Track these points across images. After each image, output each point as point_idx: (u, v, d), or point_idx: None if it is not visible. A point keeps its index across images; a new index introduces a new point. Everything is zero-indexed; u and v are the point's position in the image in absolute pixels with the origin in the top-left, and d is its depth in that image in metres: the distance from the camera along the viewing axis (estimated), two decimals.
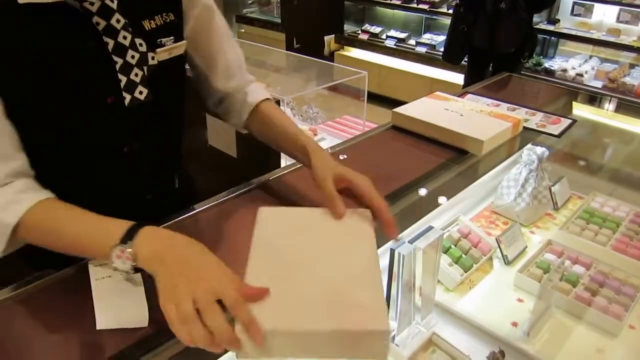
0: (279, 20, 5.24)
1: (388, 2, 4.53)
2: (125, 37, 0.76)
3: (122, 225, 0.61)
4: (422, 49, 4.30)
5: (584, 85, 3.60)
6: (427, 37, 4.42)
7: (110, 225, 0.62)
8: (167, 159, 0.99)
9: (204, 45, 0.96)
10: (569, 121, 1.30)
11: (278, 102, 1.34)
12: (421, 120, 1.18)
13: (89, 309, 0.60)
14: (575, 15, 3.94)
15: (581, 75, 3.64)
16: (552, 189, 1.36)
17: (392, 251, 0.86)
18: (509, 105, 1.38)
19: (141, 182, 0.91)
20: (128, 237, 0.59)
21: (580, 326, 0.98)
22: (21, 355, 0.57)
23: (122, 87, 0.78)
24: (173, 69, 0.87)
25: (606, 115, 1.76)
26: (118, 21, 0.75)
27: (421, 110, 1.24)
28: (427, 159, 1.16)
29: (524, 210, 1.30)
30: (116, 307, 0.60)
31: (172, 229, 0.63)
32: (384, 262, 0.86)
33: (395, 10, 4.67)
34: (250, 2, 5.90)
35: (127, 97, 0.78)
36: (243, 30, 5.70)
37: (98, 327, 0.58)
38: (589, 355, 0.91)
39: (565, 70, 3.71)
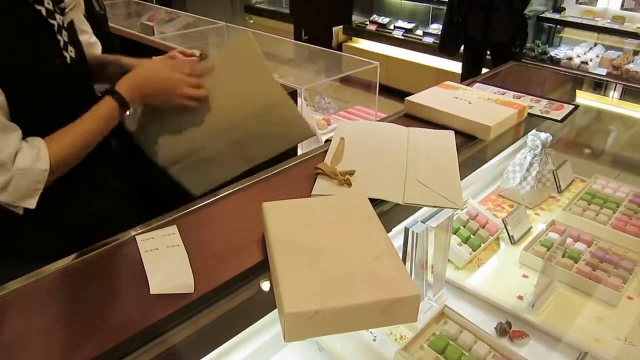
0: (287, 11, 5.26)
1: None
2: (49, 3, 0.84)
3: (109, 100, 0.86)
4: (429, 40, 4.30)
5: (589, 73, 3.60)
6: (434, 28, 4.42)
7: (103, 106, 0.86)
8: None
9: None
10: (571, 107, 1.35)
11: (294, 93, 1.40)
12: (432, 107, 1.23)
13: (143, 276, 0.68)
14: (581, 3, 3.92)
15: (586, 63, 3.64)
16: (556, 172, 1.41)
17: (406, 230, 0.92)
18: (515, 93, 1.43)
19: None
20: (122, 103, 0.87)
21: (581, 298, 1.04)
22: (94, 312, 0.65)
23: (61, 47, 0.86)
24: (73, 29, 0.93)
25: (610, 102, 1.80)
26: None
27: (432, 98, 1.29)
28: None
29: (528, 193, 1.36)
30: (165, 274, 0.67)
31: (180, 222, 0.80)
32: (398, 241, 0.92)
33: (402, 1, 4.67)
34: None
35: (67, 56, 0.87)
36: (252, 21, 5.72)
37: (152, 291, 0.65)
38: (590, 324, 0.97)
39: (570, 59, 3.71)
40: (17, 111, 0.78)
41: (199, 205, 0.88)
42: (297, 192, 0.92)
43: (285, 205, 0.80)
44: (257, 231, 0.79)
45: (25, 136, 0.79)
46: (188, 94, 0.92)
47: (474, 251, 1.15)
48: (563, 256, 1.13)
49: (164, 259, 0.70)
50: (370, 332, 0.95)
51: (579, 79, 1.94)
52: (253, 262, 0.74)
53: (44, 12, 0.82)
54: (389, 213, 0.91)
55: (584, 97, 1.74)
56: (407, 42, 4.45)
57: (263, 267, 0.73)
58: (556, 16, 3.87)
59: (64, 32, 0.87)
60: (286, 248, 0.69)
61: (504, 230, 1.21)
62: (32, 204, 0.79)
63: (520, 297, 1.04)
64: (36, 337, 0.61)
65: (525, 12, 3.20)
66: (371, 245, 0.71)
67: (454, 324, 0.95)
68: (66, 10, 0.89)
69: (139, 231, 0.78)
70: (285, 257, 0.67)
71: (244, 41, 0.97)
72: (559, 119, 1.29)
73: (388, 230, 0.95)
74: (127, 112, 0.92)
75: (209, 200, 0.90)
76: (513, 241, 1.21)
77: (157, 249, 0.72)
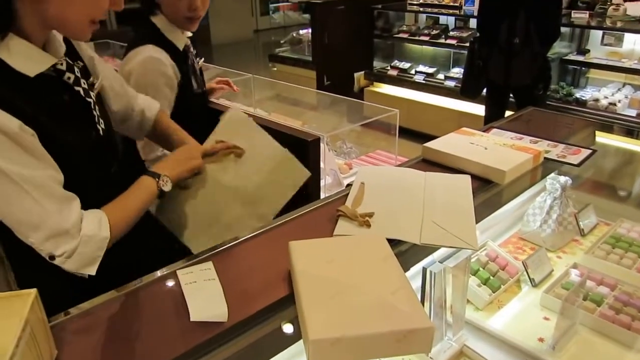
0: (309, 59, 5.55)
1: (417, 38, 4.77)
2: (84, 83, 0.97)
3: (147, 178, 1.04)
4: (450, 83, 4.47)
5: (618, 114, 3.66)
6: (455, 71, 4.60)
7: (143, 184, 1.03)
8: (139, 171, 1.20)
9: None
10: (588, 151, 1.43)
11: (317, 140, 1.53)
12: (448, 153, 1.34)
13: (182, 305, 0.79)
14: (606, 44, 4.04)
15: (614, 104, 3.71)
16: (577, 215, 1.48)
17: (424, 270, 1.01)
18: (531, 138, 1.52)
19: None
20: (155, 175, 1.04)
21: (604, 342, 1.08)
22: (140, 337, 0.76)
23: (96, 121, 0.99)
24: (102, 103, 1.08)
25: (636, 142, 1.85)
26: (78, 72, 0.95)
27: (448, 144, 1.39)
28: None
29: (549, 236, 1.42)
30: (203, 304, 0.78)
31: (215, 258, 0.93)
32: (418, 281, 1.00)
33: (423, 46, 4.90)
34: (282, 41, 6.28)
35: (100, 129, 1.00)
36: (275, 69, 6.05)
37: (192, 319, 0.76)
38: None
39: (597, 100, 3.78)
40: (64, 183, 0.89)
41: (232, 244, 0.99)
42: (320, 232, 1.03)
43: (309, 244, 0.90)
44: (284, 268, 0.89)
45: None
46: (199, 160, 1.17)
47: (494, 292, 1.21)
48: (585, 299, 1.18)
49: (202, 291, 0.81)
50: None
51: (598, 122, 2.01)
52: (280, 295, 0.83)
53: (82, 92, 0.95)
54: (407, 253, 1.00)
55: (608, 139, 1.81)
56: (428, 86, 4.63)
57: (290, 300, 0.82)
58: (580, 58, 3.99)
59: (97, 107, 1.01)
60: (310, 282, 0.78)
61: (525, 272, 1.27)
62: (92, 270, 0.88)
63: (541, 339, 1.09)
64: (91, 352, 0.72)
65: (548, 54, 3.34)
66: (388, 280, 0.80)
67: None
68: (95, 86, 1.04)
69: (180, 266, 0.90)
70: (310, 290, 0.76)
71: (235, 115, 1.26)
72: (575, 163, 1.37)
73: (406, 269, 1.03)
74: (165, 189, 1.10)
75: (241, 239, 1.01)
76: (534, 284, 1.27)
77: (195, 282, 0.83)
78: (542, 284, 1.27)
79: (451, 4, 4.85)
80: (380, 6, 4.99)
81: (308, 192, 1.60)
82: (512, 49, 3.14)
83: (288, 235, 0.97)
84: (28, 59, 0.83)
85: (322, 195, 1.61)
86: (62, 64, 0.92)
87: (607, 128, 2.01)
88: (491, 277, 1.24)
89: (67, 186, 0.89)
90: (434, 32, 4.69)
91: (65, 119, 0.90)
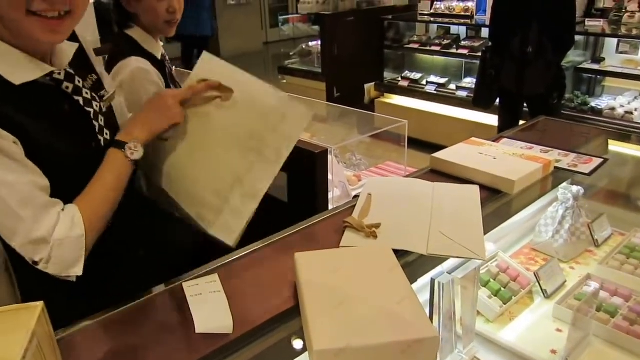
0: (319, 70, 5.60)
1: (428, 48, 4.80)
2: (87, 93, 0.98)
3: (113, 151, 0.97)
4: (462, 94, 4.47)
5: (635, 122, 3.63)
6: (467, 82, 4.60)
7: (110, 159, 0.96)
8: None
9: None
10: (600, 160, 1.42)
11: (324, 152, 1.55)
12: (457, 163, 1.35)
13: (188, 317, 0.81)
14: (621, 52, 4.02)
15: (631, 113, 3.68)
16: (591, 225, 1.47)
17: (433, 281, 1.01)
18: (542, 147, 1.53)
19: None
20: (121, 145, 0.97)
21: (619, 353, 1.07)
22: (146, 349, 0.78)
23: (97, 131, 0.99)
24: (111, 114, 1.09)
25: None
26: (79, 82, 0.97)
27: (457, 154, 1.41)
28: None
29: (562, 246, 1.42)
30: (208, 316, 0.80)
31: (220, 270, 0.92)
32: (427, 293, 1.01)
33: (434, 57, 4.92)
34: (292, 53, 6.35)
35: (101, 139, 1.00)
36: (285, 81, 6.11)
37: (197, 331, 0.78)
38: None
39: (613, 109, 3.76)
40: (54, 189, 0.90)
41: (238, 256, 1.02)
42: (326, 244, 1.05)
43: (315, 256, 0.92)
44: (289, 279, 0.91)
45: None
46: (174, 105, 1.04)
47: (505, 304, 1.21)
48: (599, 310, 1.17)
49: (207, 303, 0.83)
50: None
51: (614, 131, 2.00)
52: (286, 307, 0.85)
53: (81, 101, 0.97)
54: (415, 264, 1.01)
55: (625, 148, 1.80)
56: (440, 97, 4.63)
57: (295, 312, 0.84)
58: (595, 67, 3.97)
59: (101, 117, 1.02)
60: (316, 293, 0.80)
61: (537, 284, 1.27)
62: (78, 271, 0.87)
63: (553, 352, 1.09)
64: None
65: (563, 63, 3.33)
66: (394, 291, 0.81)
67: None
68: (104, 97, 1.06)
69: (185, 279, 0.92)
70: (315, 300, 0.78)
71: (211, 57, 1.09)
72: (586, 172, 1.37)
73: (414, 280, 1.04)
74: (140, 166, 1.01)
75: (247, 252, 1.04)
76: (546, 295, 1.26)
77: (201, 294, 0.85)
78: (554, 295, 1.27)
79: (462, 13, 4.86)
80: (390, 17, 5.03)
81: (316, 205, 1.62)
82: (525, 58, 3.13)
83: (294, 247, 0.99)
84: (14, 67, 0.86)
85: (330, 207, 1.63)
86: (59, 74, 0.94)
87: (624, 137, 2.00)
88: (502, 289, 1.24)
89: (61, 193, 0.90)
90: (445, 42, 4.70)
91: (59, 127, 0.93)
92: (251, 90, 1.04)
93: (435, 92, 4.68)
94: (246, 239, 1.07)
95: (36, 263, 0.85)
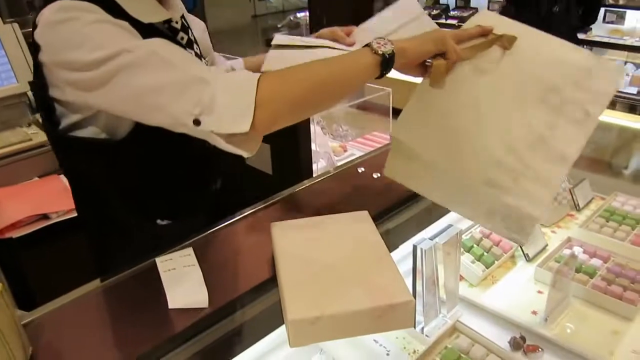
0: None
1: None
2: (197, 48, 0.97)
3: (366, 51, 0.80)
4: None
5: (619, 91, 3.60)
6: None
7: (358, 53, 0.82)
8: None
9: None
10: None
11: (307, 121, 1.51)
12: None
13: (163, 293, 0.78)
14: (608, 22, 3.94)
15: None
16: (573, 190, 1.45)
17: (415, 247, 0.99)
18: None
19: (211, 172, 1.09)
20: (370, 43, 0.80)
21: (597, 313, 1.07)
22: (118, 325, 0.75)
23: None
24: None
25: (636, 119, 1.81)
26: (192, 36, 0.96)
27: None
28: None
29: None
30: (182, 291, 0.77)
31: (196, 244, 0.90)
32: (409, 260, 0.99)
33: None
34: (280, 25, 6.21)
35: None
36: None
37: (170, 306, 0.75)
38: (605, 337, 1.00)
39: None
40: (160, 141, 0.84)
41: (214, 229, 0.98)
42: (308, 212, 1.01)
43: (291, 225, 0.89)
44: (266, 250, 0.88)
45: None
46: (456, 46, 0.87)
47: (488, 268, 1.19)
48: (578, 272, 1.16)
49: (181, 278, 0.80)
50: (384, 346, 1.01)
51: None
52: (263, 278, 0.83)
53: (194, 55, 0.96)
54: (394, 231, 0.99)
55: (610, 116, 1.77)
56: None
57: (273, 283, 0.81)
58: (582, 36, 3.91)
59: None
60: (291, 262, 0.77)
61: (519, 248, 1.25)
62: (245, 127, 0.69)
63: (534, 313, 1.08)
64: (70, 346, 0.72)
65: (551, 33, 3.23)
66: (370, 258, 0.79)
67: (465, 337, 1.00)
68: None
69: (159, 254, 0.89)
70: (290, 270, 0.75)
71: (484, 13, 0.95)
72: None
73: (395, 246, 1.01)
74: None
75: (222, 225, 1.00)
76: (528, 259, 1.25)
77: (174, 269, 0.81)
78: (536, 258, 1.26)
79: None
80: None
81: (301, 176, 1.58)
82: (551, 17, 2.97)
83: (273, 217, 0.96)
84: (142, 6, 0.84)
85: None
86: (177, 23, 0.93)
87: (609, 105, 1.96)
88: (485, 254, 1.23)
89: (167, 146, 0.87)
90: (435, 12, 4.61)
91: None
92: (539, 43, 0.89)
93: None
94: (228, 213, 1.04)
95: (198, 122, 0.70)
